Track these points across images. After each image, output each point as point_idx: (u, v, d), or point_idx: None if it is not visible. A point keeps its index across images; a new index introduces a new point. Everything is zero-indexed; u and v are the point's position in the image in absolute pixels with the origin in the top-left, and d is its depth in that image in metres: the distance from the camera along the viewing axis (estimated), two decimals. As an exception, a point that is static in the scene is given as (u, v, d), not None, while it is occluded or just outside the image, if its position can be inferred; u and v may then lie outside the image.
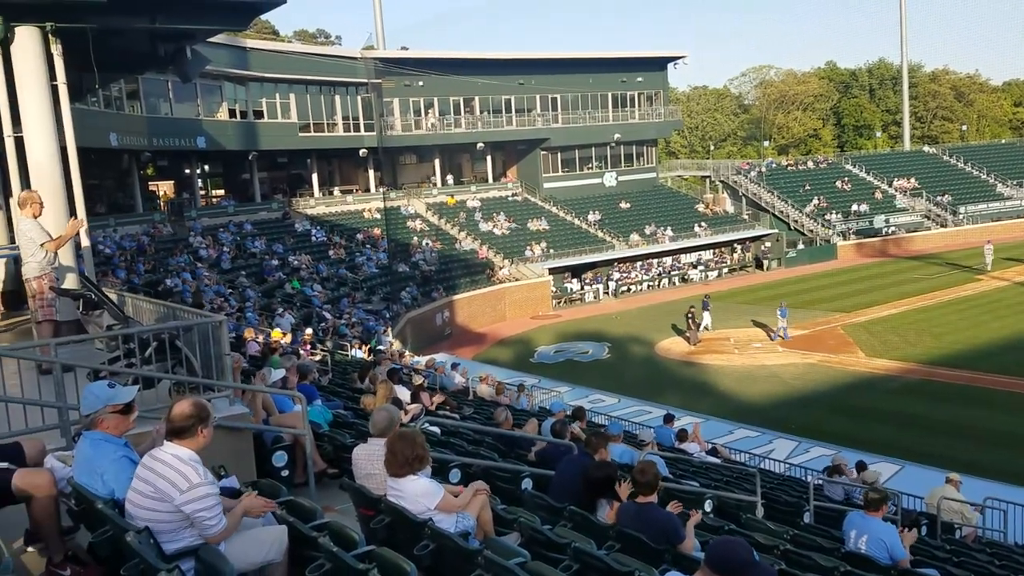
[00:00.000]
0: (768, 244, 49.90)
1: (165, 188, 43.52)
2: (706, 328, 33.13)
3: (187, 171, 41.69)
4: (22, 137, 10.48)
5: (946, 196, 55.76)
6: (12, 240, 9.76)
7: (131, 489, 4.23)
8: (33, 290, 8.58)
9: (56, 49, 10.45)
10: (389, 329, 30.26)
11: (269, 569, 4.34)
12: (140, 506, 4.16)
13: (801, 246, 50.76)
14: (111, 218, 32.53)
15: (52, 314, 8.62)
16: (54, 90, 10.59)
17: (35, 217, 8.55)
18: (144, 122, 35.35)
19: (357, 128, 45.17)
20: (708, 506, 9.24)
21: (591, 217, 48.93)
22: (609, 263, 44.96)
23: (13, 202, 9.62)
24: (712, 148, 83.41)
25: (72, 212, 11.07)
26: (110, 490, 4.44)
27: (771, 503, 10.90)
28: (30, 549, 4.81)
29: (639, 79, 54.01)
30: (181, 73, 15.05)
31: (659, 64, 55.17)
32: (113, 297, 10.93)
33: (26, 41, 10.25)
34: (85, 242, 11.81)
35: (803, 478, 15.63)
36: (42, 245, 8.47)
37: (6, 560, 3.41)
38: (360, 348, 24.24)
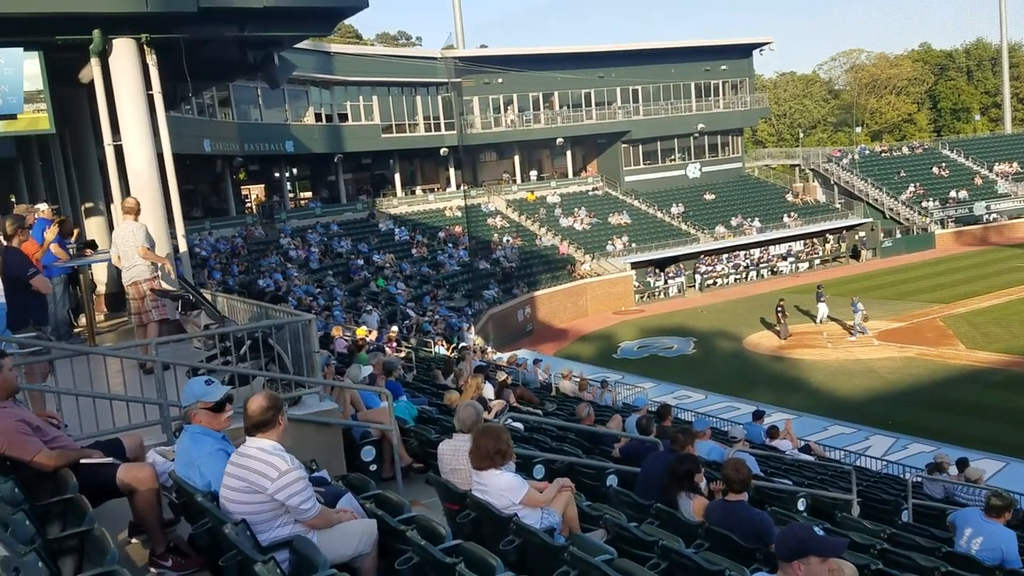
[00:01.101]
0: (862, 234, 48.14)
1: (256, 192, 45.04)
2: (821, 320, 32.09)
3: (276, 175, 43.01)
4: (121, 145, 10.99)
5: (1053, 180, 52.73)
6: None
7: (224, 486, 4.37)
8: (143, 292, 8.94)
9: (151, 60, 10.92)
10: (471, 326, 30.52)
11: (359, 561, 4.42)
12: (234, 500, 4.29)
13: (898, 235, 48.80)
14: (206, 221, 33.89)
15: (166, 313, 8.99)
16: (150, 99, 11.07)
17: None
18: (235, 128, 36.64)
19: (438, 127, 45.69)
20: (801, 505, 8.98)
21: (674, 210, 48.19)
22: (694, 256, 44.17)
23: (115, 207, 10.07)
24: (801, 136, 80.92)
25: (169, 217, 11.56)
26: (207, 482, 4.59)
27: (868, 501, 10.55)
28: (134, 541, 5.03)
29: (723, 67, 52.84)
30: (269, 79, 15.52)
31: (744, 51, 53.86)
32: (209, 298, 11.35)
33: (123, 53, 10.74)
34: (183, 246, 12.31)
35: (901, 475, 15.07)
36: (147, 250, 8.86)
37: (112, 551, 3.56)
38: (443, 345, 24.52)
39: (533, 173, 51.59)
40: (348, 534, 4.42)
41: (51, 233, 9.11)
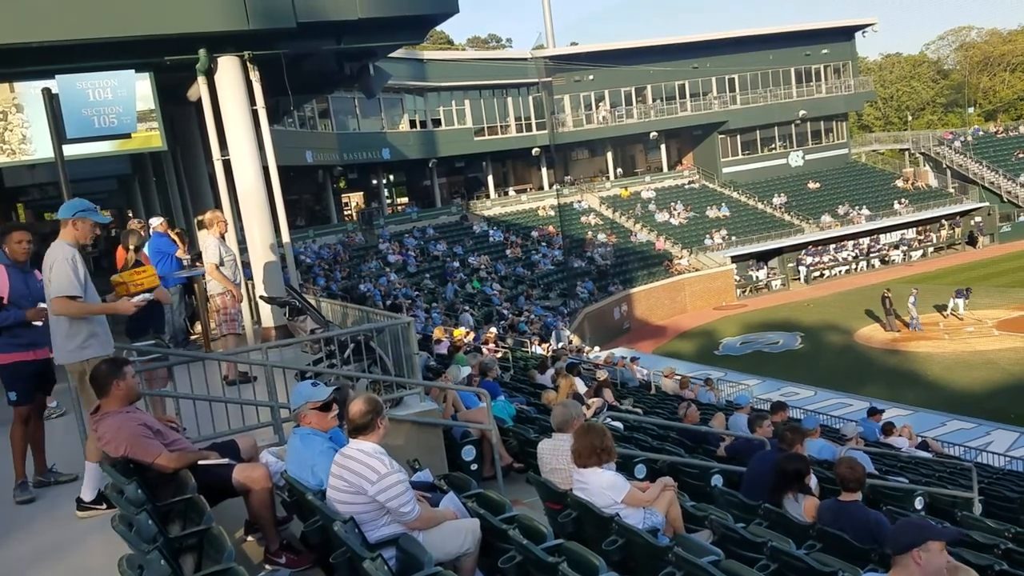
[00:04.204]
0: (979, 219, 45.55)
1: (355, 199, 46.29)
2: (957, 314, 30.45)
3: (374, 182, 44.07)
4: (229, 160, 11.48)
5: None
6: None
7: (330, 486, 4.50)
8: (217, 305, 9.27)
9: (254, 76, 11.36)
10: (567, 325, 30.46)
11: (463, 560, 4.47)
12: (340, 500, 4.41)
13: (1018, 219, 45.92)
14: (310, 230, 35.08)
15: (235, 328, 9.30)
16: (254, 114, 11.51)
17: (221, 236, 9.26)
18: (335, 138, 37.75)
19: (529, 128, 45.83)
20: (919, 503, 8.58)
21: (776, 200, 46.78)
22: (798, 248, 42.77)
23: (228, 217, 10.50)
24: (910, 119, 77.21)
25: (276, 226, 12.00)
26: (319, 480, 4.73)
27: (990, 499, 10.00)
28: (249, 539, 5.23)
29: (824, 51, 50.93)
30: (366, 89, 15.90)
31: (846, 33, 51.78)
32: (314, 303, 11.73)
33: (228, 70, 11.21)
34: (289, 254, 12.76)
35: (1029, 474, 14.21)
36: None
37: (228, 549, 3.72)
38: (539, 345, 24.57)
39: (623, 169, 51.05)
40: (453, 533, 4.48)
41: (181, 251, 9.67)
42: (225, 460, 5.09)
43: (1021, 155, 50.31)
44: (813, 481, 6.59)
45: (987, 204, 46.47)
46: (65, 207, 5.65)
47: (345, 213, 43.61)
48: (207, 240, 9.24)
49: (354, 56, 13.64)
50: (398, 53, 34.11)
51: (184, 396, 6.79)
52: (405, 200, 47.87)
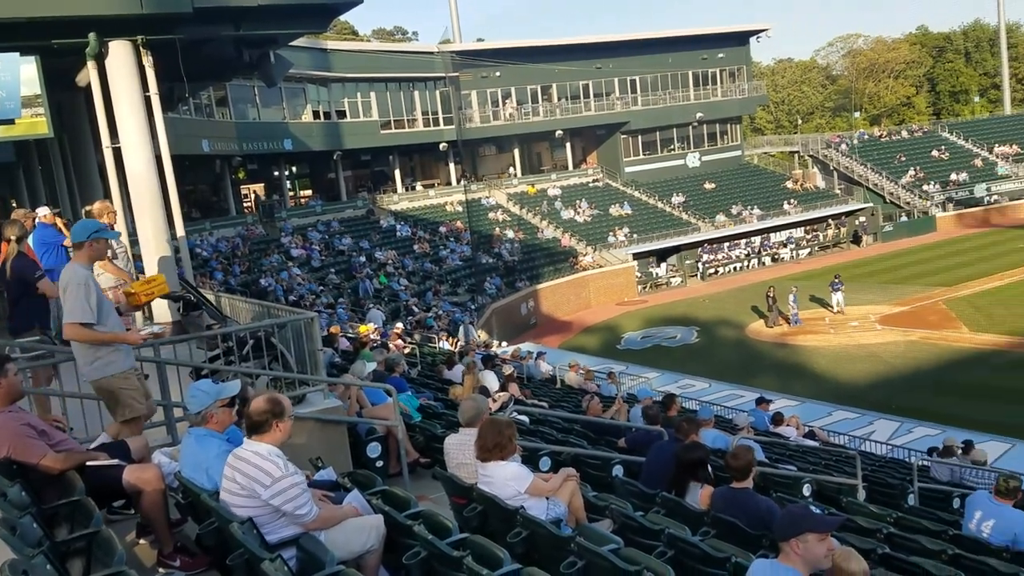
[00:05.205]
0: (863, 219, 48.05)
1: (256, 191, 45.04)
2: (838, 308, 31.93)
3: (276, 173, 43.02)
4: (120, 148, 11.00)
5: (1054, 160, 52.55)
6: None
7: (222, 488, 4.39)
8: (109, 299, 8.87)
9: (147, 61, 10.92)
10: (474, 321, 30.53)
11: (367, 557, 4.44)
12: (233, 503, 4.31)
13: (900, 219, 48.70)
14: (206, 222, 33.91)
15: (129, 323, 8.95)
16: (147, 101, 11.06)
17: (111, 228, 8.89)
18: (233, 127, 36.63)
19: (436, 122, 45.63)
20: (807, 490, 8.98)
21: (675, 199, 48.12)
22: (695, 246, 44.16)
23: (118, 207, 10.07)
24: (800, 122, 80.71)
25: (169, 218, 11.57)
26: (214, 483, 4.60)
27: (873, 486, 10.55)
28: (142, 541, 5.05)
29: (720, 55, 52.69)
30: (266, 77, 15.52)
31: (741, 39, 53.69)
32: (211, 298, 11.37)
33: (119, 56, 10.74)
34: (183, 247, 12.32)
35: (907, 459, 15.09)
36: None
37: (119, 552, 3.58)
38: (447, 340, 24.54)
39: (531, 166, 51.47)
40: (356, 531, 4.44)
41: (69, 241, 9.17)
42: (115, 461, 4.92)
43: (903, 158, 53.35)
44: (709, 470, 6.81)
45: (871, 205, 49.02)
46: (79, 229, 5.72)
47: (244, 205, 42.33)
48: None
49: (254, 43, 13.28)
50: (301, 42, 33.40)
51: (71, 395, 6.51)
52: (309, 193, 46.92)
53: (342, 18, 54.94)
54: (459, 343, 24.03)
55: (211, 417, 4.81)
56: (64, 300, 5.43)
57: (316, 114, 41.61)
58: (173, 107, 22.57)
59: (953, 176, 51.44)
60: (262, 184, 44.48)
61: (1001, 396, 20.89)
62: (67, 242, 9.21)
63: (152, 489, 4.69)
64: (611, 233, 43.67)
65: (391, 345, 18.41)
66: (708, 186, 50.31)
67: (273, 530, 4.30)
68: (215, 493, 4.50)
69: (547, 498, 5.37)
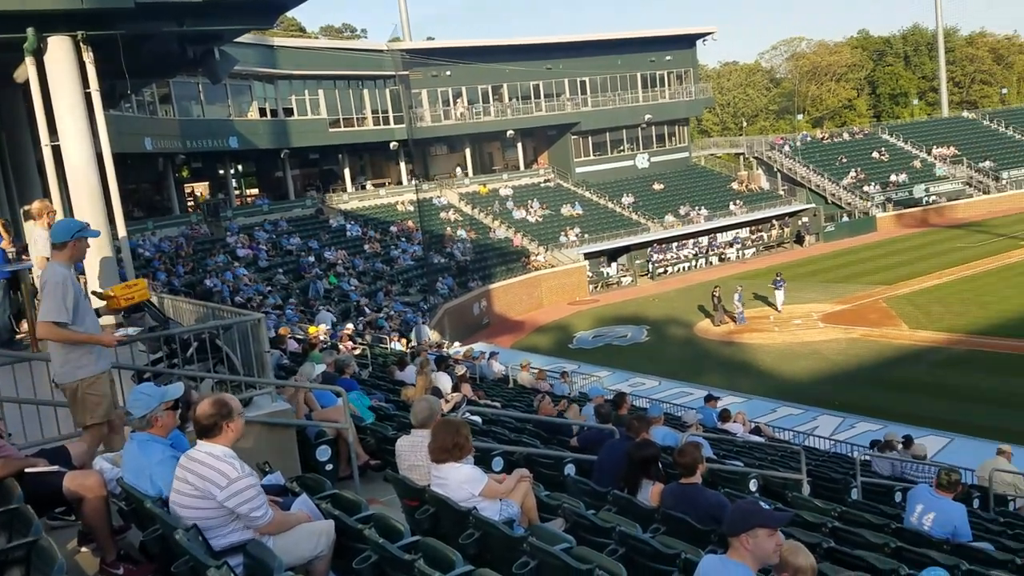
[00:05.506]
0: (806, 219, 49.14)
1: (200, 189, 44.18)
2: (780, 307, 32.59)
3: (221, 172, 42.25)
4: (59, 146, 10.68)
5: (988, 162, 54.35)
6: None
7: (174, 491, 4.30)
8: None
9: (88, 57, 10.62)
10: (427, 321, 30.40)
11: (315, 563, 4.38)
12: (184, 506, 4.22)
13: (845, 219, 49.88)
14: (149, 221, 33.13)
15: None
16: (88, 98, 10.76)
17: (49, 227, 8.64)
18: (177, 125, 35.88)
19: (387, 121, 45.31)
20: (753, 485, 9.14)
21: (625, 200, 48.57)
22: (645, 245, 44.63)
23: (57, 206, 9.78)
24: (745, 124, 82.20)
25: (110, 217, 11.27)
26: (158, 489, 4.51)
27: (817, 480, 10.76)
28: (84, 549, 4.91)
29: (668, 58, 53.36)
30: (211, 74, 15.22)
31: (688, 41, 54.44)
32: (154, 299, 11.11)
33: (58, 51, 10.43)
34: (125, 247, 12.01)
35: (849, 454, 15.44)
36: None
37: (59, 561, 3.48)
38: (399, 341, 24.38)
39: (483, 166, 51.42)
40: (305, 536, 4.37)
41: (7, 243, 8.90)
42: (55, 467, 4.79)
43: (844, 160, 54.68)
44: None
45: (813, 205, 50.15)
46: (61, 229, 5.67)
47: (189, 204, 41.50)
48: (35, 232, 8.56)
49: (198, 39, 13.01)
50: (246, 38, 32.82)
51: (8, 400, 6.30)
52: (255, 191, 46.16)
53: (289, 15, 54.17)
54: (411, 344, 23.90)
55: (156, 421, 4.70)
56: (41, 299, 5.45)
57: (263, 112, 40.99)
58: (115, 104, 21.99)
59: (893, 177, 52.92)
60: (207, 183, 43.65)
61: (940, 392, 21.56)
62: (4, 244, 8.92)
63: (94, 496, 4.57)
64: (563, 233, 43.88)
65: (341, 346, 18.22)
66: (657, 187, 50.89)
67: (220, 536, 4.22)
68: (159, 499, 4.40)
69: (500, 499, 5.37)
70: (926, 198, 51.34)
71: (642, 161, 52.74)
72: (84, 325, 5.56)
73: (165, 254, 30.04)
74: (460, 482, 5.20)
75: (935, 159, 55.43)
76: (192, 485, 4.19)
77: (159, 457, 4.61)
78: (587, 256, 42.29)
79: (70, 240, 5.58)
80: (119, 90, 17.00)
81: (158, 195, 39.07)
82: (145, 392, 4.81)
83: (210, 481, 4.15)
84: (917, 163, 54.84)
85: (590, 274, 42.07)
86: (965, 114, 65.77)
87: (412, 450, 5.75)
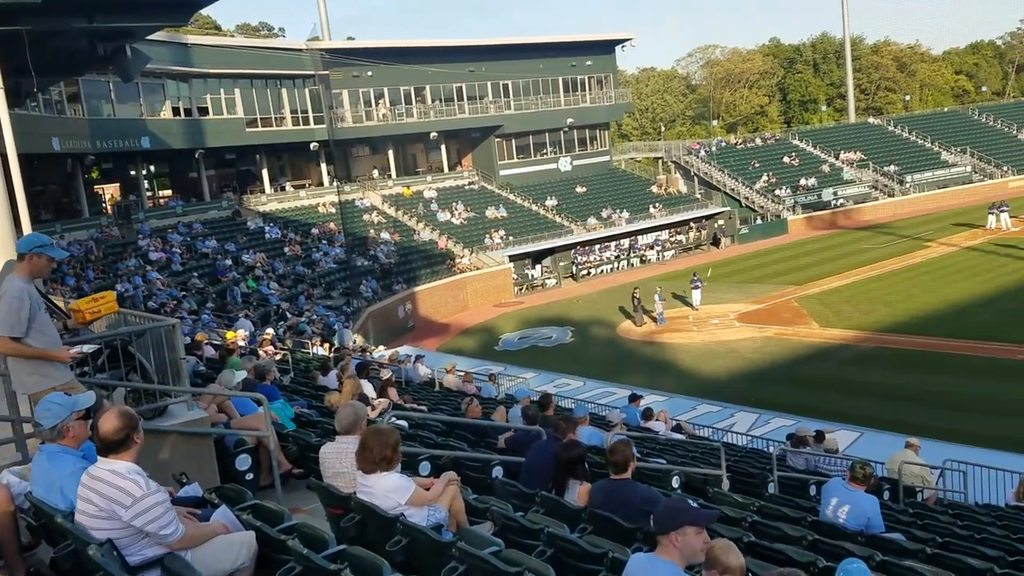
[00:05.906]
0: (721, 222, 50.47)
1: (111, 191, 42.51)
2: (697, 306, 33.33)
3: (132, 172, 40.78)
4: (-43, 145, 10.15)
5: (892, 166, 56.89)
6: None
7: (78, 510, 4.11)
8: None
9: (-11, 52, 10.12)
10: (351, 324, 29.98)
11: (237, 575, 4.26)
12: (91, 526, 4.05)
13: (759, 221, 51.39)
14: (57, 224, 31.69)
15: None
16: (-11, 95, 10.26)
17: None
18: (86, 124, 34.47)
19: (307, 121, 44.54)
20: (676, 482, 9.31)
21: (548, 202, 48.97)
22: (568, 247, 45.08)
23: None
24: (663, 129, 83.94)
25: (16, 220, 10.76)
26: (69, 503, 4.31)
27: (736, 476, 11.01)
28: (-11, 568, 4.68)
29: (588, 63, 54.06)
30: (122, 72, 14.75)
31: (607, 47, 55.30)
32: (62, 305, 10.64)
33: (-45, 45, 9.90)
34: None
35: (766, 449, 15.87)
36: None
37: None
38: (321, 345, 23.96)
39: (406, 168, 51.04)
40: (225, 548, 4.25)
41: None
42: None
43: (757, 164, 56.39)
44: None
45: (728, 208, 51.58)
46: (22, 242, 5.63)
47: (99, 206, 39.89)
48: None
49: (109, 36, 12.58)
50: (159, 36, 31.78)
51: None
52: (168, 193, 44.67)
53: (204, 12, 52.63)
54: (334, 348, 23.51)
55: (67, 431, 4.49)
56: None
57: (176, 111, 39.77)
58: (20, 103, 20.97)
59: (803, 181, 54.83)
60: (118, 184, 42.04)
61: (849, 388, 22.40)
62: None
63: (0, 511, 4.34)
64: (487, 235, 43.94)
65: (261, 352, 17.80)
66: (579, 190, 51.48)
67: (135, 551, 4.06)
68: (70, 513, 4.21)
69: (428, 505, 5.31)
70: (834, 201, 53.39)
71: (565, 164, 53.29)
72: (41, 340, 5.52)
73: (74, 258, 28.79)
74: (387, 491, 5.11)
75: (843, 163, 57.69)
76: (96, 505, 4.02)
77: (70, 469, 4.41)
78: (512, 258, 42.47)
79: (27, 253, 5.55)
80: (24, 88, 16.26)
81: (66, 197, 37.40)
82: (55, 402, 4.59)
83: (114, 501, 3.98)
84: (826, 167, 56.96)
85: (515, 276, 42.27)
86: (871, 120, 68.69)
87: (337, 457, 5.64)
